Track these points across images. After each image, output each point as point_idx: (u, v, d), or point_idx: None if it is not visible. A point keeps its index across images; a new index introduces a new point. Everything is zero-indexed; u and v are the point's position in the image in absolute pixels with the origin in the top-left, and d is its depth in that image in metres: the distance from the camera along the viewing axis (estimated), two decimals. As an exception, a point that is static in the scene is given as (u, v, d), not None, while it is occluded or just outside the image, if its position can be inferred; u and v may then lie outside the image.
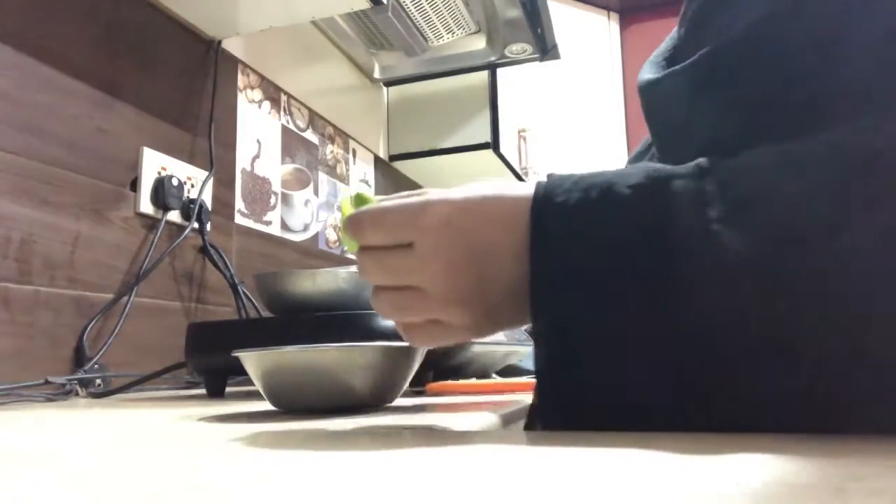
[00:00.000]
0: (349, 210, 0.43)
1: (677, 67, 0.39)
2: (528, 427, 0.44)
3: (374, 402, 0.54)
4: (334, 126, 1.74)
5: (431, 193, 0.39)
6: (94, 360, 0.91)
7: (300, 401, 0.52)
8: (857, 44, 0.32)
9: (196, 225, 1.15)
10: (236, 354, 0.52)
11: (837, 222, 0.29)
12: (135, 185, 1.05)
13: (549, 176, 0.37)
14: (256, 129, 1.40)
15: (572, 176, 0.36)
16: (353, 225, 0.40)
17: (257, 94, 1.42)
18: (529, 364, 1.24)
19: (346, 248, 0.45)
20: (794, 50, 0.34)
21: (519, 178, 2.27)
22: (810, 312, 0.29)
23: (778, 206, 0.30)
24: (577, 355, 0.34)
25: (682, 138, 0.40)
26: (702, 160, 0.34)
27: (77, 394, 0.84)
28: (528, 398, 0.64)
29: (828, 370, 0.29)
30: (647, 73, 0.43)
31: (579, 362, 0.34)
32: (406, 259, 0.38)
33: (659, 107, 0.42)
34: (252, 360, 0.51)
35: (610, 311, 0.33)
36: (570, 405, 0.35)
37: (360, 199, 0.43)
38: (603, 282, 0.33)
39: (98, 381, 0.89)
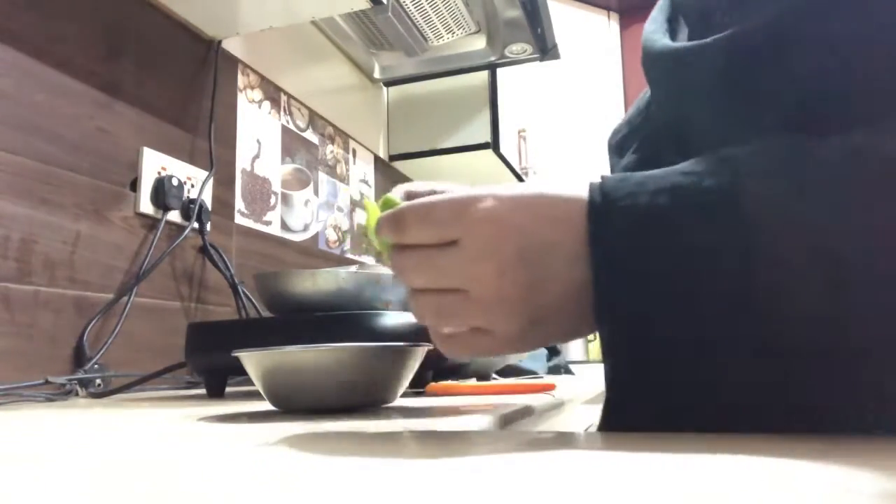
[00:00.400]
0: (376, 213, 0.41)
1: (708, 41, 0.38)
2: (601, 428, 0.43)
3: (374, 402, 0.53)
4: (334, 126, 1.74)
5: (479, 188, 0.37)
6: (94, 360, 0.91)
7: (300, 401, 0.52)
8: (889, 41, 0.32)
9: (196, 225, 1.15)
10: (236, 354, 0.52)
11: None
12: (135, 185, 1.05)
13: (603, 177, 0.36)
14: (256, 129, 1.40)
15: (630, 177, 0.35)
16: (393, 221, 0.38)
17: (257, 94, 1.42)
18: (529, 364, 1.24)
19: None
20: (824, 42, 0.33)
21: (519, 178, 2.27)
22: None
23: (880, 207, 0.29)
24: (660, 361, 0.33)
25: (700, 115, 0.39)
26: (772, 146, 0.32)
27: (77, 394, 0.84)
28: (527, 399, 0.64)
29: None
30: (658, 36, 0.42)
31: (662, 367, 0.33)
32: (451, 257, 0.36)
33: (676, 78, 0.41)
34: (252, 360, 0.51)
35: (692, 316, 0.32)
36: (650, 408, 0.34)
37: (387, 203, 0.42)
38: (684, 287, 0.32)
39: (98, 381, 0.89)
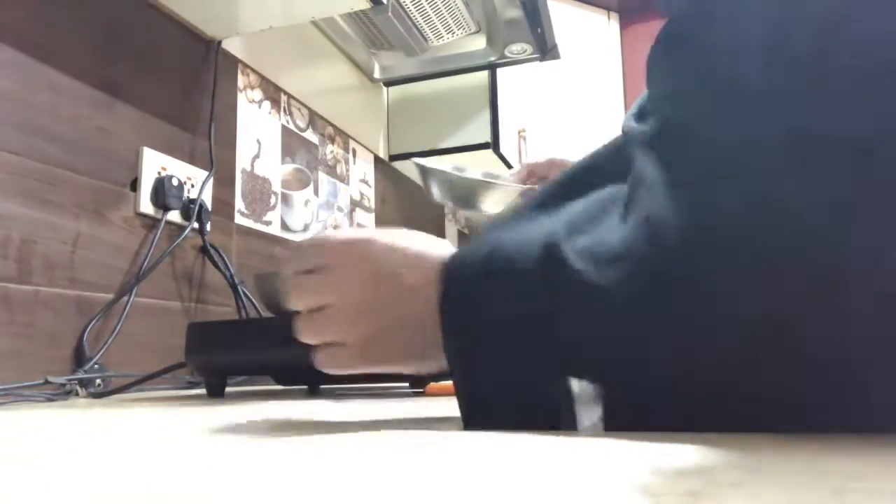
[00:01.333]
0: None
1: (643, 128, 0.40)
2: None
3: None
4: (334, 126, 1.74)
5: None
6: (94, 360, 0.91)
7: None
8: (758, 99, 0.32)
9: (196, 225, 1.15)
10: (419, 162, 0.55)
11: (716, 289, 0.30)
12: (135, 185, 1.06)
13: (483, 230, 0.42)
14: (256, 129, 1.40)
15: (488, 239, 0.40)
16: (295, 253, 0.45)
17: (257, 94, 1.42)
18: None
19: None
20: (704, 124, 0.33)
21: (519, 178, 2.27)
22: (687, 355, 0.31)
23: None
24: (487, 413, 0.38)
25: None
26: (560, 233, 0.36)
27: (77, 394, 0.84)
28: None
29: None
30: (628, 118, 0.44)
31: (489, 418, 0.38)
32: (322, 276, 0.43)
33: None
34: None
35: (514, 361, 0.36)
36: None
37: None
38: (504, 339, 0.36)
39: (98, 381, 0.89)
